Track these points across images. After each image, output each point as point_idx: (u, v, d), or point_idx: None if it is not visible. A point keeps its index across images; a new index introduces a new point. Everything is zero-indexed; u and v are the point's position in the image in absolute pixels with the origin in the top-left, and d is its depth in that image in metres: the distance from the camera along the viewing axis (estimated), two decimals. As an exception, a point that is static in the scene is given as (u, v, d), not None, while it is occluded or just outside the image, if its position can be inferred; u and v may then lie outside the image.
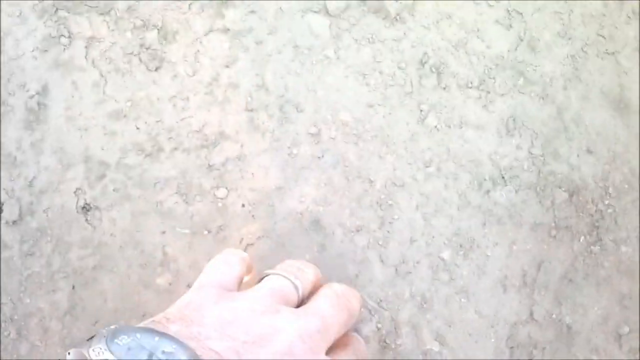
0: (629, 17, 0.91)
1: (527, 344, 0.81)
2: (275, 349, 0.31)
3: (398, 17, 0.89)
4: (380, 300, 0.80)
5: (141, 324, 0.32)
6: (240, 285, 0.42)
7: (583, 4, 0.92)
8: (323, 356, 0.34)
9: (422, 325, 0.81)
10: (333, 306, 0.38)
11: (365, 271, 0.82)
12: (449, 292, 0.83)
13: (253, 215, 0.84)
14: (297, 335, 0.32)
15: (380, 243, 0.83)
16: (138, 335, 0.28)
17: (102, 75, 0.83)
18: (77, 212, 0.79)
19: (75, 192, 0.79)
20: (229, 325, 0.32)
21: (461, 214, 0.84)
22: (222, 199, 0.83)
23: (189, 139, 0.82)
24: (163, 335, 0.28)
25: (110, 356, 0.27)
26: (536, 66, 0.90)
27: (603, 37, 0.91)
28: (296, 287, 0.39)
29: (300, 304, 0.39)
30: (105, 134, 0.82)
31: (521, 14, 0.91)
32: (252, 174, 0.82)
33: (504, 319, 0.83)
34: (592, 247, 0.86)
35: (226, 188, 0.81)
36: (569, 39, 0.91)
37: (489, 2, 0.90)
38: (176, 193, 0.80)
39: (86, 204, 0.79)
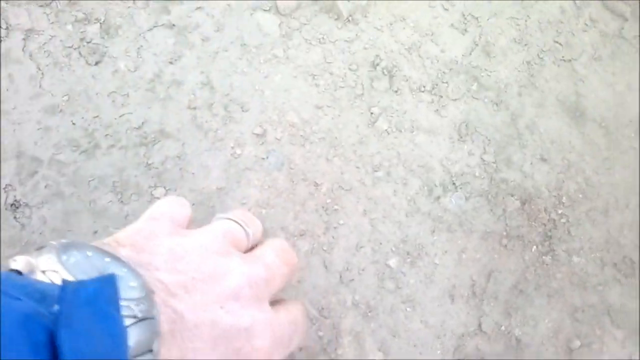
0: (586, 24, 0.92)
1: (475, 357, 0.79)
2: (223, 290, 0.31)
3: (350, 18, 0.89)
4: (322, 308, 0.78)
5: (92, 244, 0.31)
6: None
7: (540, 10, 0.92)
8: (266, 305, 0.34)
9: (366, 335, 0.79)
10: (278, 257, 0.37)
11: (308, 277, 0.80)
12: (395, 301, 0.81)
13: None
14: (245, 280, 0.32)
15: (324, 248, 0.81)
16: (89, 253, 0.27)
17: (39, 69, 0.81)
18: (6, 209, 0.77)
19: (4, 189, 0.77)
20: (180, 259, 0.31)
21: (410, 220, 0.83)
22: (159, 198, 0.80)
23: (127, 136, 0.80)
24: (114, 257, 0.28)
25: (59, 268, 0.26)
26: (491, 72, 0.89)
27: (560, 44, 0.91)
28: (247, 234, 0.38)
29: (247, 252, 0.39)
30: (39, 129, 0.79)
31: (477, 18, 0.91)
32: (193, 173, 0.80)
33: (451, 330, 0.81)
34: (544, 257, 0.85)
35: (164, 187, 0.79)
36: (525, 45, 0.91)
37: (444, 5, 0.90)
38: (111, 192, 0.77)
39: (15, 200, 0.76)
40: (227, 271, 0.32)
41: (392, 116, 0.88)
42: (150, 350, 0.27)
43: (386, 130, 0.87)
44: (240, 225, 0.39)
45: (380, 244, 0.84)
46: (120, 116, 0.83)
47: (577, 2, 0.97)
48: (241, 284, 0.33)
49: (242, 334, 0.31)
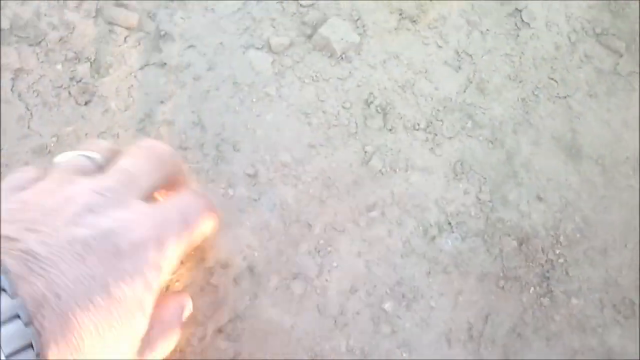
0: (581, 60, 0.92)
1: (472, 404, 0.78)
2: (71, 211, 0.30)
3: (344, 56, 0.89)
4: (316, 355, 0.76)
5: None
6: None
7: (534, 46, 0.92)
8: (135, 202, 0.34)
9: (360, 383, 0.77)
10: (135, 157, 0.37)
11: (301, 322, 0.79)
12: (390, 346, 0.80)
13: (182, 261, 0.80)
14: (94, 192, 0.32)
15: (318, 292, 0.80)
16: None
17: (28, 109, 0.80)
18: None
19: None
20: (21, 210, 0.31)
21: (405, 261, 0.82)
22: (148, 242, 0.79)
23: (116, 177, 0.79)
24: None
25: None
26: (485, 109, 0.89)
27: (555, 80, 0.91)
28: (88, 157, 0.38)
29: None
30: (25, 171, 0.78)
31: (471, 55, 0.91)
32: (183, 216, 0.79)
33: (448, 376, 0.79)
34: (542, 299, 0.83)
35: (154, 231, 0.78)
36: (520, 82, 0.91)
37: (438, 42, 0.90)
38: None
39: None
40: (71, 196, 0.32)
41: (386, 155, 0.87)
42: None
43: (380, 169, 0.87)
44: (76, 153, 0.39)
45: (375, 286, 0.82)
46: (110, 157, 0.82)
47: (571, 38, 0.97)
48: (89, 198, 0.32)
49: (109, 237, 0.30)
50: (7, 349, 0.23)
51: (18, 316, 0.24)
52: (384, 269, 0.84)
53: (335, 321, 0.81)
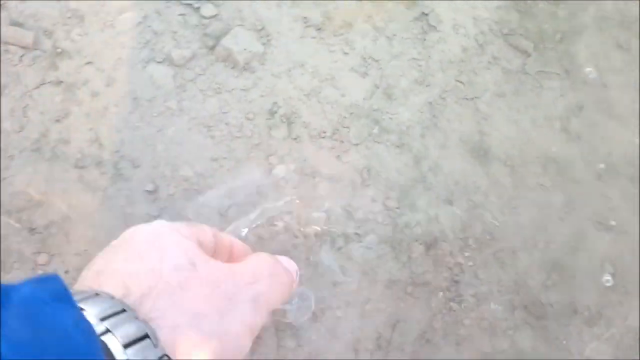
0: (489, 62, 0.92)
1: (381, 413, 0.77)
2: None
3: (247, 66, 0.88)
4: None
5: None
6: None
7: (442, 49, 0.93)
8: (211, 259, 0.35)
9: (264, 398, 0.77)
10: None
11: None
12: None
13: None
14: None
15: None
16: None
17: None
18: None
19: None
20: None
21: (312, 272, 0.81)
22: (43, 265, 0.78)
23: (10, 199, 0.77)
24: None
25: None
26: (393, 114, 0.89)
27: (462, 83, 0.92)
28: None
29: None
30: None
31: (377, 61, 0.91)
32: (80, 237, 0.78)
33: (354, 387, 0.79)
34: (451, 303, 0.83)
35: (48, 253, 0.76)
36: (427, 85, 0.91)
37: (344, 49, 0.90)
38: (-11, 261, 0.74)
39: None
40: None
41: (291, 164, 0.87)
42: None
43: (285, 178, 0.86)
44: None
45: (280, 299, 0.81)
46: (3, 179, 0.81)
47: (479, 40, 0.98)
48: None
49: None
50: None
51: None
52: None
53: (240, 336, 0.80)
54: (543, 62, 0.98)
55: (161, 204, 0.83)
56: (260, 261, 0.37)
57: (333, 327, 0.82)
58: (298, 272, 0.45)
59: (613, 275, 0.90)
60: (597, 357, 0.87)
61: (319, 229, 0.86)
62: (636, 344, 0.89)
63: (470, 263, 0.88)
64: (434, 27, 0.97)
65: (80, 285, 0.31)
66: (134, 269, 0.31)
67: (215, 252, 0.38)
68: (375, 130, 0.91)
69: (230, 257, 0.40)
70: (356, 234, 0.86)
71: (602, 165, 0.95)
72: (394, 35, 0.96)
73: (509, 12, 1.00)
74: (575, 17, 1.02)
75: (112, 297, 0.29)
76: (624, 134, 0.97)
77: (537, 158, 0.94)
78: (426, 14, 0.98)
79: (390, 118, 0.92)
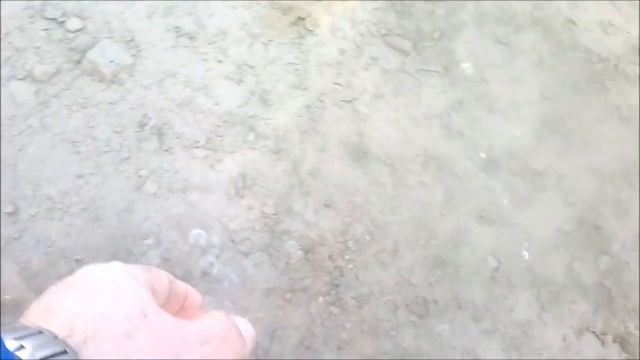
0: (367, 63, 0.93)
1: None
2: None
3: (115, 79, 0.86)
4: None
5: None
6: None
7: (319, 53, 0.93)
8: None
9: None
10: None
11: None
12: (168, 377, 0.76)
13: None
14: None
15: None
16: None
17: None
18: None
19: None
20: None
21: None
22: None
23: None
24: None
25: None
26: (269, 120, 0.88)
27: (340, 85, 0.92)
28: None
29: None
30: None
31: (253, 67, 0.90)
32: None
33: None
34: (331, 307, 0.82)
35: None
36: (305, 89, 0.91)
37: (218, 57, 0.89)
38: None
39: None
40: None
41: (162, 177, 0.85)
42: None
43: (155, 192, 0.84)
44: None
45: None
46: None
47: (357, 41, 0.98)
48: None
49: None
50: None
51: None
52: (162, 296, 0.81)
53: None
54: (422, 61, 0.99)
55: (22, 225, 0.81)
56: (214, 322, 0.36)
57: (207, 341, 0.80)
58: (254, 338, 0.43)
59: (496, 268, 0.91)
60: (483, 353, 0.87)
61: (192, 241, 0.84)
62: (523, 336, 0.89)
63: (351, 265, 0.87)
64: (311, 31, 0.98)
65: (27, 318, 0.30)
66: (83, 309, 0.31)
67: (169, 300, 0.37)
68: (251, 137, 0.90)
69: (183, 307, 0.39)
70: (232, 241, 0.85)
71: (483, 159, 0.96)
72: (270, 41, 0.96)
73: (386, 13, 1.01)
74: (453, 15, 1.04)
75: (56, 337, 0.28)
76: (505, 128, 0.98)
77: (418, 156, 0.94)
78: (303, 19, 0.98)
79: (267, 124, 0.92)
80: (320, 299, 0.85)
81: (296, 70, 0.96)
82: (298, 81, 0.95)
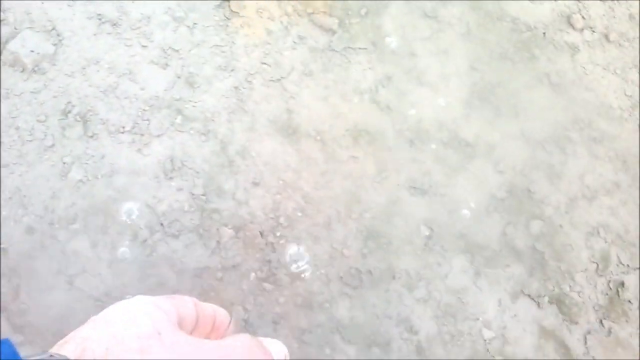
0: (294, 42, 0.94)
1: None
2: None
3: (37, 69, 0.86)
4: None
5: None
6: None
7: (246, 34, 0.93)
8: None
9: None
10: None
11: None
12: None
13: None
14: None
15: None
16: None
17: None
18: None
19: None
20: None
21: (113, 271, 0.79)
22: None
23: None
24: None
25: None
26: (196, 102, 0.89)
27: (268, 65, 0.93)
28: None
29: None
30: None
31: (178, 51, 0.91)
32: None
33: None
34: (264, 283, 0.83)
35: None
36: (232, 70, 0.91)
37: (142, 42, 0.89)
38: None
39: None
40: None
41: (87, 163, 0.86)
42: None
43: (81, 179, 0.84)
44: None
45: (81, 301, 0.79)
46: None
47: (283, 22, 0.99)
48: None
49: None
50: None
51: None
52: (90, 283, 0.81)
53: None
54: (349, 38, 1.01)
55: (-56, 217, 0.80)
56: (236, 341, 0.36)
57: (138, 323, 0.80)
58: (286, 356, 0.43)
59: (429, 237, 0.92)
60: (418, 321, 0.88)
61: (120, 223, 0.84)
62: (458, 303, 0.90)
63: (282, 241, 0.88)
64: (237, 12, 0.98)
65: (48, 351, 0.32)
66: (97, 334, 0.31)
67: (198, 323, 0.37)
68: (178, 120, 0.91)
69: (214, 327, 0.40)
70: (161, 224, 0.85)
71: (413, 132, 0.97)
72: (195, 24, 0.97)
73: (312, -8, 1.02)
74: (380, -9, 1.05)
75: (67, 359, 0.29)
76: (434, 100, 1.00)
77: (348, 131, 0.95)
78: (228, 0, 0.99)
79: (194, 106, 0.92)
80: (252, 275, 0.86)
81: (223, 52, 0.97)
82: (225, 63, 0.96)
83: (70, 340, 0.31)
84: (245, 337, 0.38)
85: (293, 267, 0.87)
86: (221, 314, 0.41)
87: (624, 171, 1.01)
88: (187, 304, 0.37)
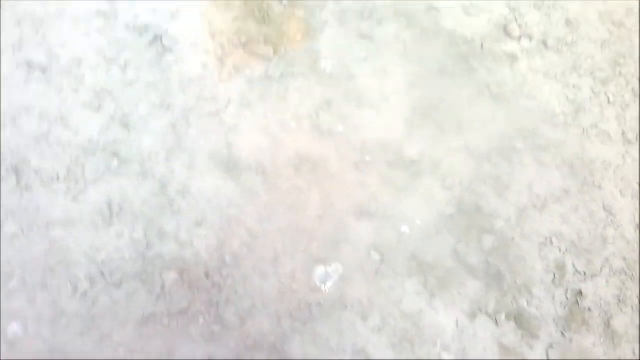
0: (230, 74, 0.92)
1: None
2: None
3: (-37, 123, 0.84)
4: None
5: None
6: None
7: (180, 70, 0.92)
8: None
9: None
10: None
11: None
12: None
13: None
14: None
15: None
16: None
17: None
18: None
19: None
20: None
21: (55, 326, 0.77)
22: None
23: None
24: None
25: None
26: (132, 143, 0.87)
27: (205, 99, 0.91)
28: None
29: None
30: None
31: (111, 92, 0.89)
32: None
33: None
34: (213, 327, 0.81)
35: None
36: (168, 108, 0.90)
37: (72, 85, 0.87)
38: None
39: None
40: None
41: (21, 217, 0.83)
42: None
43: (15, 233, 0.82)
44: None
45: (20, 362, 0.77)
46: None
47: (218, 54, 0.98)
48: None
49: None
50: None
51: None
52: (32, 342, 0.79)
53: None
54: (286, 65, 1.00)
55: None
56: None
57: (81, 380, 0.78)
58: None
59: (381, 261, 0.91)
60: (374, 350, 0.87)
61: (58, 278, 0.82)
62: (414, 328, 0.89)
63: (229, 281, 0.86)
64: (170, 49, 0.97)
65: None
66: None
67: None
68: (115, 163, 0.89)
69: None
70: (101, 274, 0.83)
71: (357, 155, 0.96)
72: (128, 63, 0.95)
73: (245, 22, 1.01)
74: (314, 15, 1.05)
75: None
76: (377, 121, 0.99)
77: (289, 159, 0.94)
78: (160, 36, 0.97)
79: (130, 148, 0.90)
80: (201, 319, 0.84)
81: (157, 90, 0.95)
82: (160, 100, 0.94)
83: None
84: None
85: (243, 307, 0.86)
86: None
87: (572, 177, 1.01)
88: None
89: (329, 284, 0.88)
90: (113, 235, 0.86)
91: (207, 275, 0.86)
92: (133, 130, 0.92)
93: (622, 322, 0.94)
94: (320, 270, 0.89)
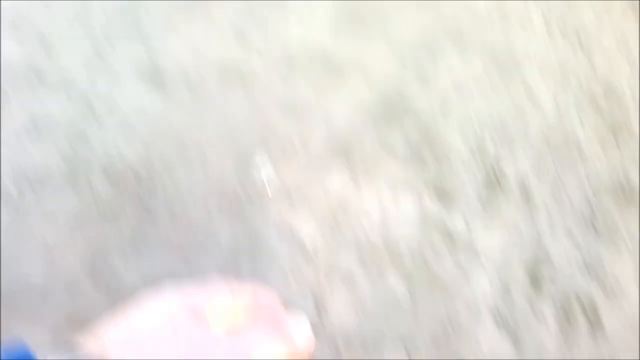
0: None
1: None
2: None
3: None
4: None
5: None
6: None
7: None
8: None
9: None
10: None
11: None
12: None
13: None
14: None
15: None
16: None
17: None
18: None
19: None
20: None
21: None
22: None
23: None
24: None
25: None
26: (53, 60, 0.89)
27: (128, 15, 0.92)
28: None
29: None
30: None
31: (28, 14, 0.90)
32: None
33: None
34: (146, 228, 0.84)
35: None
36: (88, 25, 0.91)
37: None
38: None
39: None
40: None
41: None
42: None
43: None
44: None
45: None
46: None
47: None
48: None
49: None
50: None
51: None
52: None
53: None
54: None
55: None
56: (255, 339, 0.36)
57: None
58: (310, 341, 0.39)
59: (306, 152, 0.94)
60: (303, 234, 0.89)
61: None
62: (338, 209, 0.91)
63: (159, 185, 0.89)
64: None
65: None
66: (114, 326, 0.34)
67: (232, 312, 0.37)
68: (35, 80, 0.91)
69: (257, 315, 0.38)
70: (27, 179, 0.85)
71: (282, 60, 0.98)
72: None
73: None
74: None
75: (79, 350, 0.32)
76: (301, 24, 1.01)
77: (215, 69, 0.96)
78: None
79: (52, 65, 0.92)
80: (133, 222, 0.87)
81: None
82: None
83: (92, 337, 0.34)
84: (269, 330, 0.37)
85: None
86: (264, 297, 0.39)
87: (493, 64, 1.04)
88: (219, 293, 0.38)
89: (258, 175, 0.91)
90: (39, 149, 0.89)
91: (137, 180, 0.89)
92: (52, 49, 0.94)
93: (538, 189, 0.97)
94: (248, 164, 0.92)
